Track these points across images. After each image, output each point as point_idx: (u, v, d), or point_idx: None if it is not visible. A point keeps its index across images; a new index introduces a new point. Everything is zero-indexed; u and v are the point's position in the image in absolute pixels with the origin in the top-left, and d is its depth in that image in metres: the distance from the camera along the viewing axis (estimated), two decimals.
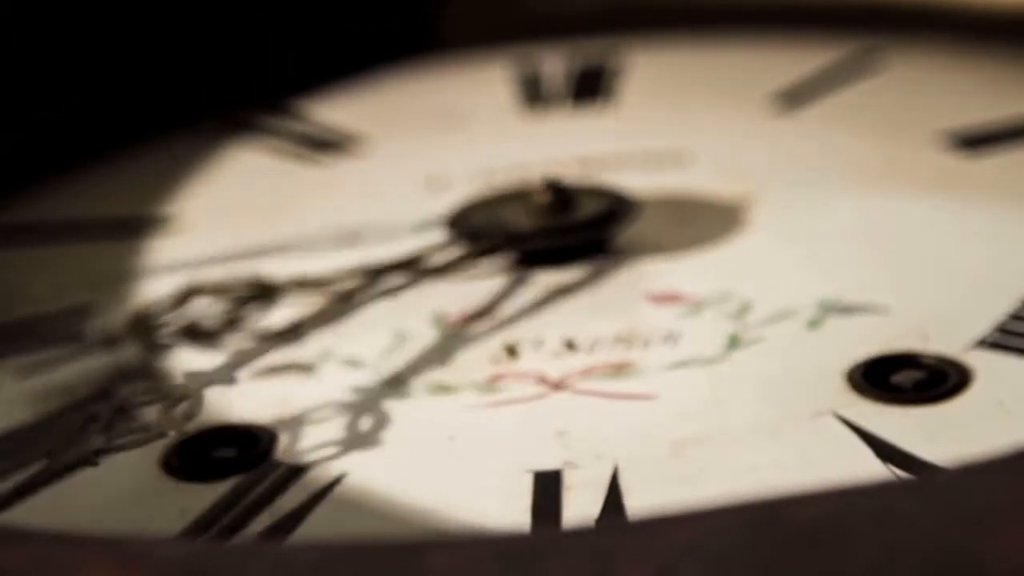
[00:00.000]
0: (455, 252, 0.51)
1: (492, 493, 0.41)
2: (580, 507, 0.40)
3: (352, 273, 0.51)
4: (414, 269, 0.50)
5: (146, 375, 0.49)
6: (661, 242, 0.53)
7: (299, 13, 0.75)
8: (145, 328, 0.50)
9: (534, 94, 0.68)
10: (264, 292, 0.50)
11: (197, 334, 0.50)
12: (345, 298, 0.50)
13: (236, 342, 0.49)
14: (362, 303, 0.50)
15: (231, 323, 0.50)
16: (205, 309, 0.51)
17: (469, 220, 0.53)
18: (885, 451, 0.40)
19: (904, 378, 0.44)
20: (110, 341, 0.50)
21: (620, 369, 0.46)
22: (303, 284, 0.51)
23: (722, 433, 0.42)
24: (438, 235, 0.53)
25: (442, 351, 0.48)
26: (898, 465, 0.40)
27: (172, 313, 0.50)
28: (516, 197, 0.54)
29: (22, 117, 0.67)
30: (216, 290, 0.51)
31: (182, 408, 0.42)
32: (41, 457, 0.44)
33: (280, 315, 0.50)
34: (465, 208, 0.54)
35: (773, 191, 0.56)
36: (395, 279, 0.51)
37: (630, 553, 0.28)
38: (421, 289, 0.51)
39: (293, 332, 0.49)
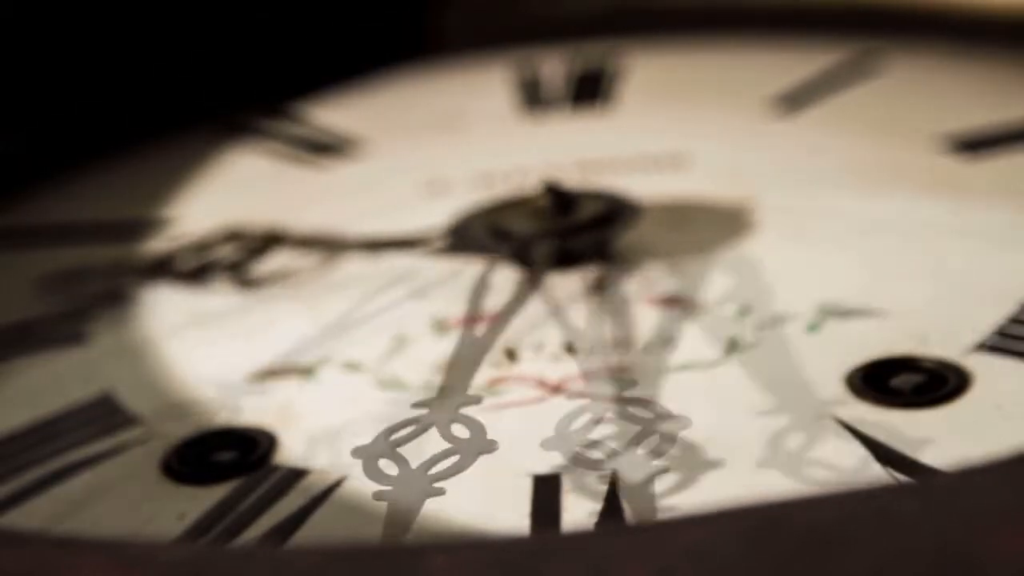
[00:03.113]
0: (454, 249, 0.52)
1: (491, 496, 0.41)
2: (579, 510, 0.40)
3: (351, 255, 0.51)
4: (413, 247, 0.51)
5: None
6: (660, 246, 0.53)
7: (299, 16, 0.75)
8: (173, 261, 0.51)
9: (534, 97, 0.68)
10: (273, 241, 0.52)
11: (197, 273, 0.51)
12: (333, 272, 0.51)
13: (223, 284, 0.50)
14: (353, 286, 0.51)
15: (231, 268, 0.51)
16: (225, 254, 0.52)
17: (473, 227, 0.53)
18: (884, 454, 0.40)
19: (903, 382, 0.44)
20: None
21: (619, 372, 0.46)
22: (308, 242, 0.52)
23: (721, 437, 0.42)
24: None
25: (442, 354, 0.48)
26: (897, 468, 0.40)
27: (204, 251, 0.52)
28: (519, 203, 0.54)
29: (22, 120, 0.67)
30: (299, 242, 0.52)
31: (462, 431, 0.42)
32: (41, 461, 0.45)
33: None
34: (469, 215, 0.54)
35: (772, 194, 0.56)
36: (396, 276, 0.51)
37: (629, 557, 0.28)
38: (421, 291, 0.51)
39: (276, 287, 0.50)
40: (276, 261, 0.54)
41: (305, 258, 0.52)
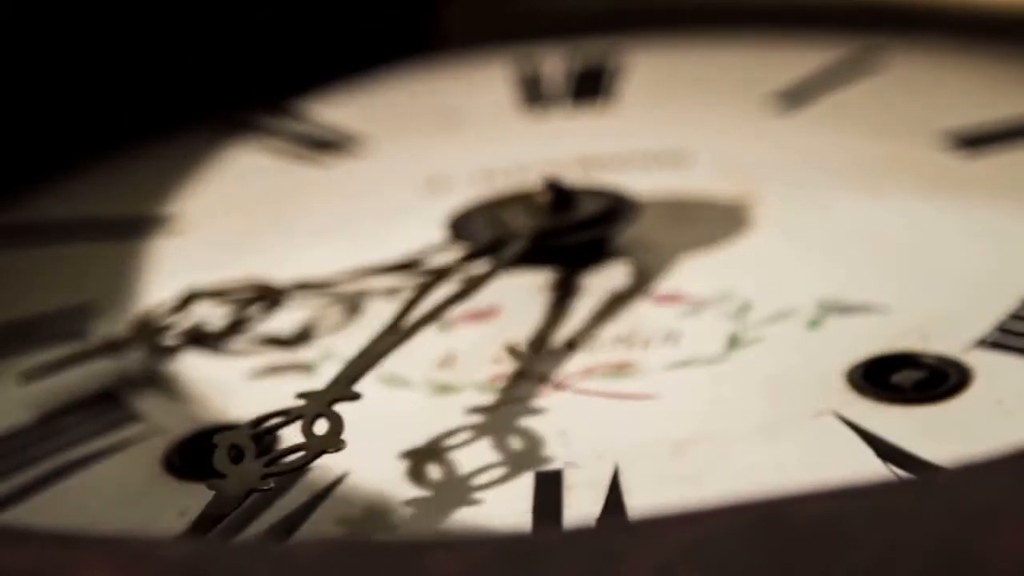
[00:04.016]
0: (456, 254, 0.51)
1: (492, 493, 0.41)
2: (581, 507, 0.40)
3: (354, 274, 0.51)
4: (415, 271, 0.51)
5: (152, 379, 0.49)
6: (661, 242, 0.53)
7: (299, 13, 0.75)
8: (149, 332, 0.50)
9: (534, 94, 0.68)
10: (266, 295, 0.51)
11: (201, 338, 0.50)
12: (349, 300, 0.50)
13: (241, 345, 0.49)
14: (365, 305, 0.50)
15: (235, 326, 0.50)
16: (208, 313, 0.51)
17: (471, 222, 0.53)
18: (885, 451, 0.40)
19: (904, 378, 0.44)
20: (113, 345, 0.49)
21: (620, 369, 0.46)
22: (306, 287, 0.51)
23: (722, 433, 0.42)
24: (440, 237, 0.53)
25: (443, 351, 0.48)
26: (898, 465, 0.40)
27: (175, 317, 0.50)
28: (517, 198, 0.54)
29: (23, 117, 0.67)
30: (218, 293, 0.51)
31: (325, 427, 0.41)
32: (41, 458, 0.45)
33: (285, 318, 0.50)
34: (467, 210, 0.54)
35: (773, 191, 0.56)
36: (398, 281, 0.51)
37: (630, 553, 0.28)
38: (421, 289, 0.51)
39: (302, 337, 0.49)
40: (286, 315, 0.52)
41: (315, 304, 0.51)
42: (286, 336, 0.50)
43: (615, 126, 0.64)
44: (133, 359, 0.49)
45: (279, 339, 0.49)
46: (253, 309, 0.50)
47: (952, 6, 0.70)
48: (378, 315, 0.49)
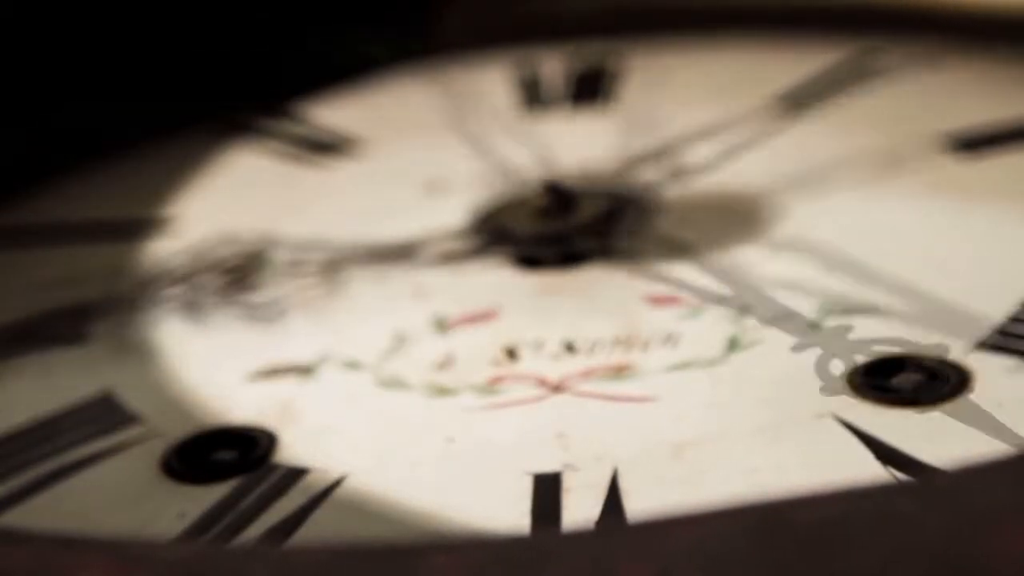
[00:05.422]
0: (454, 245, 0.51)
1: (492, 495, 0.41)
2: (580, 509, 0.40)
3: (352, 255, 0.51)
4: (412, 256, 0.51)
5: (149, 378, 0.49)
6: (661, 244, 0.53)
7: (299, 14, 0.75)
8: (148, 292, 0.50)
9: (534, 96, 0.68)
10: (262, 265, 0.51)
11: (191, 304, 0.50)
12: (333, 271, 0.50)
13: (225, 314, 0.50)
14: (353, 285, 0.51)
15: (224, 295, 0.50)
16: (205, 282, 0.51)
17: (478, 218, 0.54)
18: (885, 453, 0.40)
19: (904, 380, 0.44)
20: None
21: (620, 371, 0.46)
22: (298, 264, 0.51)
23: (722, 435, 0.42)
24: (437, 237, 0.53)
25: (441, 353, 0.48)
26: (898, 467, 0.40)
27: (177, 281, 0.51)
28: (520, 201, 0.54)
29: (23, 119, 0.67)
30: (220, 263, 0.51)
31: None
32: (40, 460, 0.45)
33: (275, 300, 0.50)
34: (481, 211, 0.55)
35: (773, 193, 0.56)
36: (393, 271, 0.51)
37: (630, 555, 0.28)
38: (421, 290, 0.51)
39: (279, 306, 0.49)
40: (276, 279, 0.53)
41: (304, 275, 0.52)
42: (271, 314, 0.50)
43: (615, 128, 0.64)
44: (130, 353, 0.49)
45: (260, 309, 0.50)
46: (248, 279, 0.51)
47: (952, 7, 0.70)
48: (370, 303, 0.50)
